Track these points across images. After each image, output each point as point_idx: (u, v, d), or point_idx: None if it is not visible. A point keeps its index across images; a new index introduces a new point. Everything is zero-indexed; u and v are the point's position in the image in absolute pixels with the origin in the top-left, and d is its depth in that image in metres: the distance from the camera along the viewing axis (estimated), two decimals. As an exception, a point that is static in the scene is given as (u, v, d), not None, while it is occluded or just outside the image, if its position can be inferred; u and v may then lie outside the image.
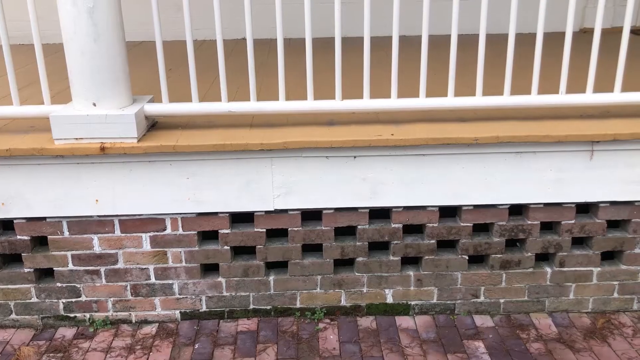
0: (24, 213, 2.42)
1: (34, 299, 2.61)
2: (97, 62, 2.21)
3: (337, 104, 2.39)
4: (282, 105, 2.39)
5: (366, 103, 2.40)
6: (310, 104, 2.40)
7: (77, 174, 2.35)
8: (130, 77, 2.36)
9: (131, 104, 2.35)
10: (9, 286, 2.58)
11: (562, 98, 2.40)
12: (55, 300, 2.62)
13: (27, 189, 2.37)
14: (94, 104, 2.25)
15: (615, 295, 2.70)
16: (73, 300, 2.62)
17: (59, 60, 3.54)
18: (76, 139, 2.26)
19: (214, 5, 2.23)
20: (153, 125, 2.50)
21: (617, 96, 2.41)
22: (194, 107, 2.39)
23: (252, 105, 2.39)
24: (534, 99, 2.40)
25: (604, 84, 2.52)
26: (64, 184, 2.36)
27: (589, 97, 2.40)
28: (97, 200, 2.40)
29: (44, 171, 2.34)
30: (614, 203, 2.53)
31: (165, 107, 2.40)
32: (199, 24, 4.89)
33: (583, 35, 4.83)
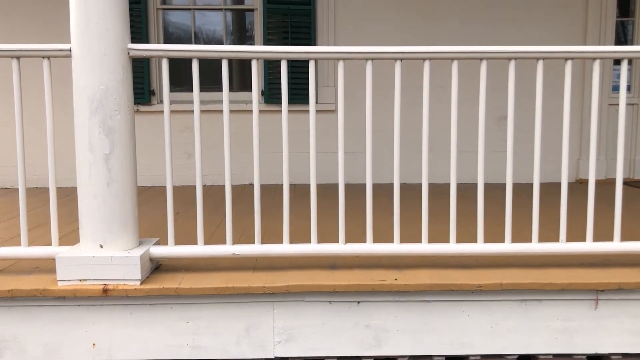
0: (16, 359, 2.34)
1: None
2: (108, 205, 2.28)
3: (341, 247, 2.42)
4: (285, 248, 2.42)
5: (369, 247, 2.43)
6: (313, 247, 2.43)
7: (77, 317, 2.32)
8: (138, 219, 2.42)
9: (137, 246, 2.39)
10: None
11: (562, 246, 2.43)
12: None
13: (24, 332, 2.32)
14: (101, 246, 2.29)
15: None
16: None
17: (70, 203, 3.65)
18: (80, 280, 2.27)
19: (224, 153, 2.35)
20: (157, 267, 2.51)
21: (617, 245, 2.44)
22: (199, 250, 2.43)
23: (256, 248, 2.42)
24: (534, 246, 2.43)
25: (604, 231, 2.56)
26: (63, 326, 2.32)
27: (589, 246, 2.43)
28: (94, 345, 2.34)
29: (43, 313, 2.31)
30: (626, 355, 2.44)
31: (170, 250, 2.43)
32: (207, 170, 5.10)
33: (579, 186, 4.98)
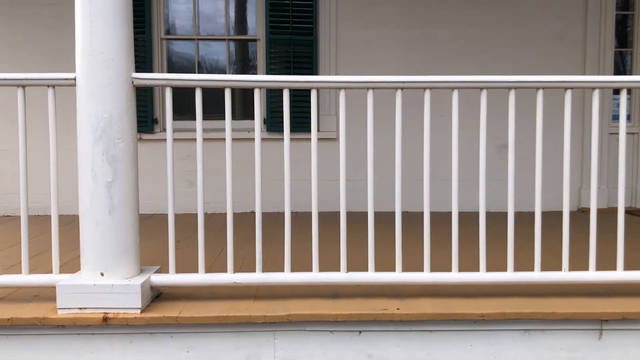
0: (13, 388, 2.32)
1: None
2: (109, 233, 2.28)
3: (342, 276, 2.41)
4: (286, 277, 2.41)
5: (371, 276, 2.42)
6: (315, 276, 2.42)
7: (76, 346, 2.30)
8: (139, 247, 2.41)
9: (138, 274, 2.38)
10: None
11: (565, 275, 2.42)
12: None
13: (22, 361, 2.30)
14: (102, 274, 2.28)
15: None
16: None
17: (72, 230, 3.65)
18: (80, 308, 2.26)
19: (226, 181, 2.35)
20: (158, 295, 2.50)
21: (620, 275, 2.42)
22: (200, 278, 2.42)
23: (257, 277, 2.41)
24: (537, 275, 2.42)
25: (607, 260, 2.55)
26: (62, 355, 2.30)
27: (592, 275, 2.42)
28: (91, 374, 2.31)
29: (43, 342, 2.29)
30: (632, 386, 2.41)
31: (171, 279, 2.42)
32: (209, 198, 5.11)
33: (582, 215, 4.97)
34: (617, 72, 5.46)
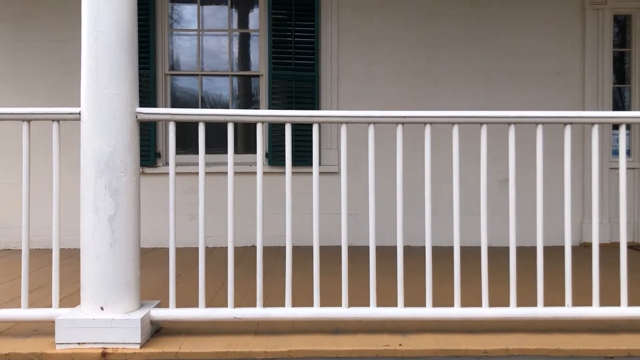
0: None
1: None
2: (110, 267, 2.28)
3: (344, 311, 2.39)
4: (287, 312, 2.39)
5: (373, 312, 2.40)
6: (316, 311, 2.40)
7: (73, 381, 2.26)
8: (140, 281, 2.40)
9: (138, 309, 2.36)
10: None
11: (568, 311, 2.39)
12: None
13: (19, 397, 2.27)
14: (102, 308, 2.27)
15: None
16: None
17: (73, 263, 3.63)
18: (79, 343, 2.23)
19: (228, 215, 2.36)
20: (158, 330, 2.47)
21: (624, 310, 2.40)
22: (201, 313, 2.40)
23: (258, 312, 2.39)
24: (540, 311, 2.40)
25: (610, 296, 2.53)
26: (58, 391, 2.26)
27: (596, 311, 2.40)
28: (89, 411, 2.27)
29: (39, 377, 2.26)
30: None
31: (171, 313, 2.40)
32: (210, 232, 5.10)
33: (584, 249, 4.95)
34: (616, 107, 5.51)
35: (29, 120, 2.40)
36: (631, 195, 5.46)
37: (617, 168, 5.16)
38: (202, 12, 5.47)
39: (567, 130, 2.44)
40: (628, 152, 5.50)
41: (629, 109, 5.55)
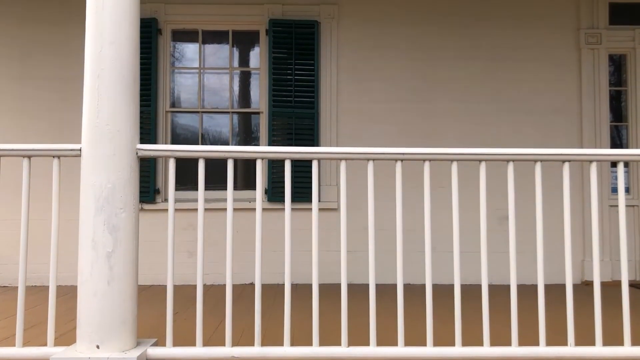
0: None
1: None
2: (108, 304, 2.25)
3: (343, 350, 2.36)
4: (286, 351, 2.36)
5: (373, 351, 2.36)
6: (315, 351, 2.36)
7: (66, 423, 2.21)
8: (137, 318, 2.37)
9: (135, 347, 2.32)
10: None
11: (571, 350, 2.36)
12: None
13: None
14: (98, 346, 2.23)
15: None
16: None
17: (69, 301, 3.60)
18: (73, 383, 2.19)
19: (226, 252, 2.34)
20: (153, 369, 2.43)
21: (628, 350, 2.36)
22: (198, 351, 2.36)
23: (256, 351, 2.36)
24: (542, 350, 2.36)
25: (613, 335, 2.50)
26: None
27: (599, 350, 2.36)
28: None
29: (32, 418, 2.21)
30: None
31: (168, 352, 2.36)
32: (208, 269, 5.06)
33: (585, 288, 4.91)
34: (614, 145, 5.55)
35: (29, 157, 2.41)
36: (632, 232, 5.44)
37: (617, 205, 5.17)
38: (204, 51, 5.56)
39: (566, 168, 2.45)
40: (627, 190, 5.51)
41: (627, 147, 5.59)
